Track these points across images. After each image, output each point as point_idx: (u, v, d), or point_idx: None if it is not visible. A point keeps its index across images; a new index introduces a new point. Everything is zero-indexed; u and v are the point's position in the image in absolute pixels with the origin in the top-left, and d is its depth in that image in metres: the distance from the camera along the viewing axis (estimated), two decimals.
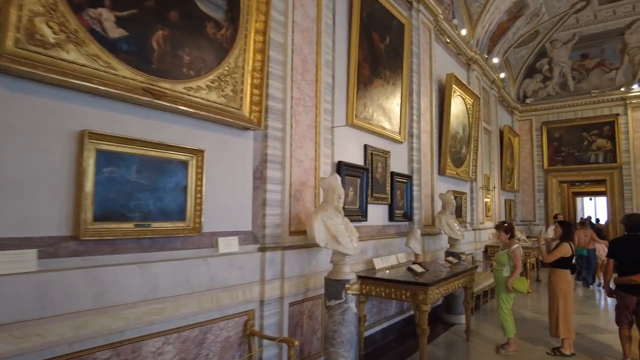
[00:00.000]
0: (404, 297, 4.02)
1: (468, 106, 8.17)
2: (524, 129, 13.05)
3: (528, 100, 12.82)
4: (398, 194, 5.67)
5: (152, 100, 2.66)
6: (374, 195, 5.08)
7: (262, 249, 3.41)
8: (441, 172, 7.05)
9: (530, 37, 11.41)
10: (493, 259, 5.03)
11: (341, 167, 4.44)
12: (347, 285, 3.40)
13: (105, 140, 2.45)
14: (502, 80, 11.06)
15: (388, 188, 5.38)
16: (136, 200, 2.61)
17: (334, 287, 3.43)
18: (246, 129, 3.36)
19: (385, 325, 5.16)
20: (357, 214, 4.72)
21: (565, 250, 4.75)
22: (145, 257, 2.64)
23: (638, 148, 11.36)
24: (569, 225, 5.06)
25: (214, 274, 3.00)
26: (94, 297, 2.30)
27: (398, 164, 5.77)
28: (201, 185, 2.92)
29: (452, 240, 6.15)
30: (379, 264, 4.75)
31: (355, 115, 4.76)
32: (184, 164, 2.88)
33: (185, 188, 2.86)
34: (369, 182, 4.96)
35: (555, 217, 11.38)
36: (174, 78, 2.82)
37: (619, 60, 11.69)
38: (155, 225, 2.69)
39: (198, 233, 2.91)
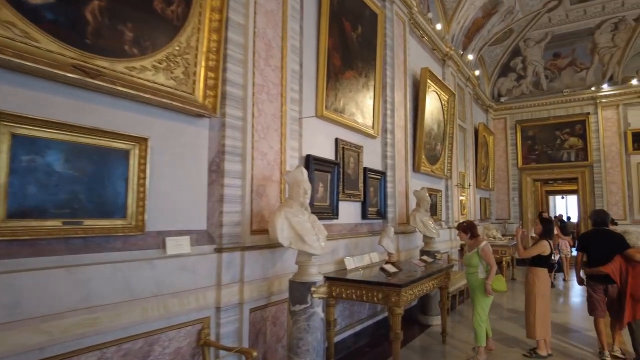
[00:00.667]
0: (375, 299, 3.77)
1: (443, 102, 8.03)
2: (498, 127, 13.09)
3: (502, 99, 12.87)
4: (371, 190, 5.42)
5: (85, 79, 2.31)
6: (346, 191, 4.81)
7: (219, 250, 3.09)
8: (416, 169, 6.86)
9: (505, 35, 11.42)
10: (463, 261, 4.76)
11: (310, 161, 4.15)
12: (313, 289, 3.11)
13: (24, 123, 2.10)
14: (477, 78, 11.02)
15: (361, 184, 5.13)
16: (64, 194, 2.25)
17: (299, 290, 3.14)
18: (200, 116, 3.04)
19: (358, 328, 4.90)
20: (327, 212, 4.44)
21: (544, 248, 4.57)
22: (76, 259, 2.28)
23: (608, 147, 11.53)
24: (549, 223, 4.85)
25: (160, 279, 2.66)
26: (5, 309, 1.94)
27: (371, 159, 5.53)
28: (144, 178, 2.58)
29: (427, 239, 5.96)
30: (350, 264, 4.48)
31: (326, 107, 4.49)
32: (125, 154, 2.53)
33: (125, 181, 2.52)
34: (340, 177, 4.70)
35: (540, 214, 11.45)
36: (114, 56, 2.48)
37: (590, 59, 11.85)
38: (89, 223, 2.34)
39: (141, 232, 2.56)
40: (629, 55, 11.37)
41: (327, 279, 4.05)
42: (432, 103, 7.55)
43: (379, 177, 5.64)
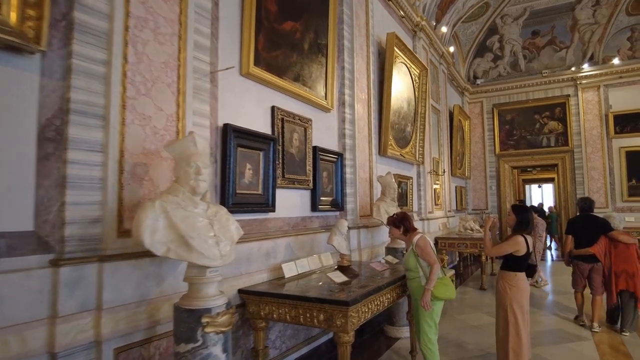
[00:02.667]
0: (316, 321, 2.71)
1: (414, 77, 7.03)
2: (474, 111, 12.26)
3: (479, 81, 12.03)
4: (324, 176, 4.36)
5: None
6: (287, 176, 3.73)
7: (56, 262, 1.96)
8: (382, 151, 5.84)
9: (481, 10, 10.53)
10: (404, 267, 3.45)
11: (229, 133, 3.05)
12: (205, 319, 2.02)
13: None
14: (452, 56, 10.10)
15: (309, 168, 4.06)
16: None
17: (184, 322, 2.05)
18: (16, 50, 1.88)
19: (305, 350, 3.85)
20: (258, 203, 3.35)
21: (517, 245, 3.35)
22: None
23: (589, 130, 10.85)
24: (525, 212, 3.54)
25: None
26: None
27: (324, 137, 4.46)
28: None
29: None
30: (291, 271, 3.42)
31: (256, 63, 3.38)
32: None
33: None
34: (278, 158, 3.61)
35: (520, 202, 10.67)
36: None
37: (569, 38, 11.11)
38: None
39: None
40: (610, 32, 10.67)
41: (249, 294, 2.98)
42: (402, 77, 6.54)
43: (335, 159, 4.58)
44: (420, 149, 7.26)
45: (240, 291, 3.04)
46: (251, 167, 3.30)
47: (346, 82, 4.89)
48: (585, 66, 10.90)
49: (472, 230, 8.08)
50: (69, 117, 2.06)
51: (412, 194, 6.89)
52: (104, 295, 2.09)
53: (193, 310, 2.04)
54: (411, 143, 6.93)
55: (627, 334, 4.72)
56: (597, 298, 4.96)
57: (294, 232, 3.82)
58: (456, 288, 7.37)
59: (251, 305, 3.00)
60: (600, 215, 5.24)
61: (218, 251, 2.11)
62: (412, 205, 6.90)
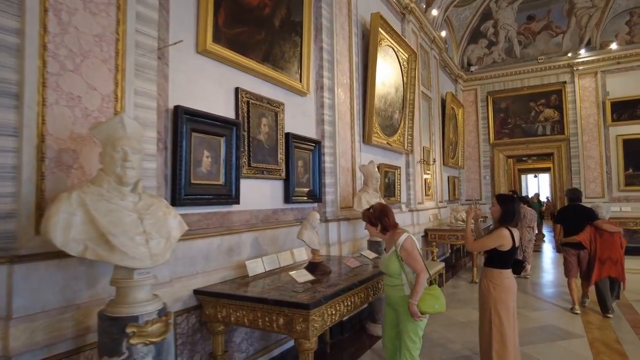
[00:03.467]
0: (275, 326, 2.43)
1: (402, 62, 6.70)
2: (468, 100, 11.93)
3: (473, 69, 11.68)
4: (299, 165, 4.06)
5: None
6: (255, 165, 3.43)
7: None
8: (366, 139, 5.53)
9: None
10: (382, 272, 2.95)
11: (181, 117, 2.74)
12: (130, 329, 1.73)
13: None
14: (445, 41, 9.75)
15: (281, 156, 3.76)
16: None
17: (107, 332, 1.76)
18: None
19: (276, 353, 3.58)
20: (219, 194, 3.05)
21: (501, 239, 3.03)
22: None
23: (585, 118, 10.55)
24: (510, 202, 3.20)
25: None
26: None
27: (299, 124, 4.16)
28: None
29: None
30: (256, 268, 3.14)
31: (216, 40, 3.06)
32: None
33: None
34: (243, 145, 3.31)
35: (514, 194, 10.38)
36: None
37: (566, 22, 10.75)
38: None
39: None
40: (608, 16, 10.32)
41: (205, 295, 2.70)
42: (388, 62, 6.22)
43: (312, 147, 4.28)
44: (409, 137, 6.95)
45: (196, 292, 2.76)
46: (210, 155, 2.99)
47: (325, 64, 4.57)
48: (582, 52, 10.56)
49: (463, 221, 7.80)
50: None
51: (400, 184, 6.60)
52: (14, 302, 1.80)
53: (116, 318, 1.75)
54: (399, 131, 6.62)
55: (611, 316, 5.01)
56: (582, 282, 5.44)
57: (263, 226, 3.54)
58: (447, 281, 7.13)
59: (208, 307, 2.73)
60: (588, 205, 5.59)
61: (147, 250, 1.82)
62: (400, 196, 6.61)
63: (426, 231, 7.52)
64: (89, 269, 2.11)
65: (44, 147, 1.97)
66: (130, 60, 2.41)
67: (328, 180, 4.53)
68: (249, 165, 3.36)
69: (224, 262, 3.07)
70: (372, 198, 4.53)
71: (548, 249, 11.19)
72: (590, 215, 5.24)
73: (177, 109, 2.72)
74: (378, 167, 5.89)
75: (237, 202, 3.20)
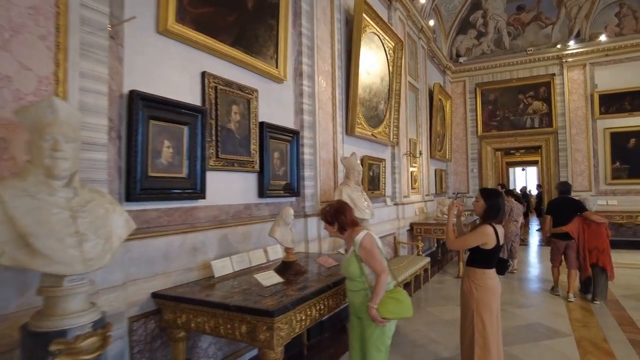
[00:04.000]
0: (238, 334, 2.20)
1: (388, 51, 6.46)
2: (457, 91, 11.74)
3: (461, 60, 11.48)
4: (275, 157, 3.82)
5: None
6: (223, 156, 3.17)
7: None
8: (349, 130, 5.30)
9: None
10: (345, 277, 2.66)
11: (136, 102, 2.46)
12: (55, 346, 1.49)
13: None
14: (433, 31, 9.51)
15: (254, 147, 3.50)
16: None
17: (30, 350, 1.51)
18: None
19: (247, 357, 3.36)
20: (182, 188, 2.80)
21: (484, 237, 2.84)
22: None
23: (574, 111, 10.44)
24: (494, 196, 2.95)
25: None
26: None
27: (275, 112, 3.90)
28: None
29: (358, 221, 4.45)
30: (223, 269, 2.90)
31: (180, 19, 2.78)
32: None
33: None
34: (210, 134, 3.05)
35: (502, 187, 10.26)
36: None
37: (555, 14, 10.58)
38: None
39: None
40: (597, 8, 10.17)
41: (163, 298, 2.46)
42: (373, 50, 5.97)
43: (290, 138, 4.03)
44: (395, 129, 6.73)
45: (154, 295, 2.51)
46: (171, 145, 2.73)
47: (304, 49, 4.31)
48: (571, 43, 10.42)
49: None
50: None
51: (384, 178, 6.39)
52: None
53: (39, 334, 1.50)
54: (384, 122, 6.40)
55: (598, 303, 5.27)
56: (572, 271, 5.51)
57: (233, 222, 3.29)
58: (432, 276, 6.97)
59: (167, 312, 2.49)
60: (576, 198, 5.88)
61: (79, 253, 1.57)
62: (384, 189, 6.41)
63: (412, 225, 7.34)
64: (19, 274, 1.85)
65: None
66: (75, 38, 2.13)
67: (307, 173, 4.30)
68: (217, 156, 3.10)
69: (187, 262, 2.82)
70: (353, 192, 4.31)
71: (535, 243, 11.15)
72: (579, 207, 5.48)
73: (133, 94, 2.45)
74: (362, 160, 5.68)
75: (203, 197, 2.95)
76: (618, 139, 9.96)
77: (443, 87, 10.57)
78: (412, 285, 5.91)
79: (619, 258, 8.18)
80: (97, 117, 2.24)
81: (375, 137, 6.04)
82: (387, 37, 6.33)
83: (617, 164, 9.97)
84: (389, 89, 6.54)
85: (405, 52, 7.07)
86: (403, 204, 7.10)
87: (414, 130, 8.23)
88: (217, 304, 2.26)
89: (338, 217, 2.58)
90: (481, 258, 2.90)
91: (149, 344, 2.56)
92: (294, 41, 4.21)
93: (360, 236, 2.49)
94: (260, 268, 3.17)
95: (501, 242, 2.90)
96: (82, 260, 1.57)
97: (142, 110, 2.49)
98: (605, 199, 9.98)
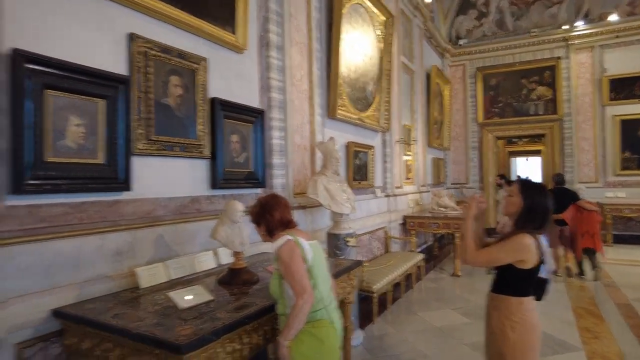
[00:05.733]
0: None
1: (377, 25, 5.83)
2: (456, 76, 11.07)
3: (462, 42, 10.79)
4: (233, 140, 3.23)
5: None
6: (158, 138, 2.59)
7: None
8: (330, 113, 4.70)
9: None
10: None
11: (19, 65, 1.87)
12: None
13: None
14: (431, 10, 8.84)
15: (202, 127, 2.91)
16: None
17: None
18: None
19: None
20: (99, 178, 2.22)
21: (523, 251, 1.96)
22: None
23: (581, 97, 9.78)
24: (540, 194, 2.08)
25: None
26: None
27: (233, 87, 3.30)
28: None
29: (336, 216, 3.89)
30: (153, 278, 2.34)
31: None
32: None
33: None
34: (137, 109, 2.46)
35: (501, 177, 9.69)
36: None
37: None
38: None
39: None
40: None
41: (66, 318, 1.91)
42: (359, 24, 5.34)
43: (253, 118, 3.44)
44: (386, 113, 6.13)
45: (55, 313, 1.96)
46: (82, 123, 2.15)
47: (272, 16, 3.69)
48: (579, 24, 9.71)
49: (445, 207, 7.06)
50: None
51: (373, 166, 5.80)
52: None
53: None
54: (374, 106, 5.79)
55: (585, 277, 6.03)
56: (566, 251, 6.29)
57: (174, 219, 2.71)
58: (426, 274, 6.42)
59: (69, 335, 1.94)
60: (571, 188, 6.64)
61: None
62: (373, 179, 5.82)
63: (405, 218, 6.77)
64: None
65: None
66: None
67: (277, 160, 3.72)
68: (149, 138, 2.52)
69: (106, 270, 2.26)
70: (330, 182, 3.74)
71: None
72: (574, 196, 6.12)
73: (16, 54, 1.86)
74: (347, 146, 5.11)
75: (127, 188, 2.37)
76: (628, 127, 9.31)
77: (441, 70, 9.91)
78: (402, 286, 5.36)
79: (627, 255, 7.63)
80: None
81: (363, 122, 5.44)
82: (376, 10, 5.69)
83: (627, 153, 9.34)
84: (379, 69, 5.92)
85: (397, 28, 6.44)
86: (395, 195, 6.52)
87: (408, 116, 7.62)
88: (120, 330, 1.70)
89: (263, 216, 2.00)
90: (516, 282, 2.02)
91: None
92: (259, 5, 3.60)
93: (278, 243, 1.87)
94: (208, 275, 2.62)
95: (546, 260, 2.04)
96: None
97: (31, 77, 1.91)
98: (613, 191, 9.38)
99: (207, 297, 1.99)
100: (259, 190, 3.57)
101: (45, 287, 2.00)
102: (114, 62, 2.37)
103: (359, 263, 3.10)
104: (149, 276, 2.31)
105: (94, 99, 2.20)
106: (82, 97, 2.15)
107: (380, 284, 4.38)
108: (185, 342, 1.51)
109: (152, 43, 2.55)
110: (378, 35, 5.87)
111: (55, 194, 2.06)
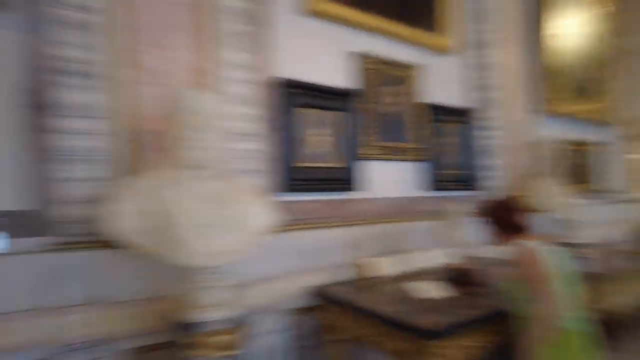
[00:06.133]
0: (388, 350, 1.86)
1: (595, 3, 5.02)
2: None
3: None
4: (446, 142, 3.30)
5: None
6: (379, 144, 2.85)
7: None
8: (546, 109, 4.26)
9: None
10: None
11: (285, 90, 2.38)
12: (183, 339, 1.44)
13: None
14: None
15: (417, 132, 3.08)
16: None
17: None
18: None
19: None
20: (337, 179, 2.62)
21: None
22: None
23: None
24: None
25: None
26: None
27: (441, 91, 3.35)
28: None
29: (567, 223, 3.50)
30: (381, 269, 2.59)
31: None
32: None
33: None
34: (364, 119, 2.78)
35: None
36: None
37: None
38: None
39: None
40: None
41: (316, 294, 2.32)
42: (574, 4, 4.72)
43: (463, 120, 3.45)
44: (614, 104, 5.20)
45: (311, 291, 2.39)
46: (323, 133, 2.57)
47: (475, 13, 3.62)
48: None
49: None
50: (56, 78, 1.73)
51: (599, 166, 4.96)
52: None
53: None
54: (597, 97, 5.00)
55: None
56: None
57: (391, 218, 2.92)
58: None
59: (319, 310, 2.34)
60: None
61: (206, 245, 1.49)
62: (601, 182, 4.97)
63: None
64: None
65: (130, 127, 1.86)
66: (216, 26, 2.15)
67: (489, 161, 3.61)
68: (374, 144, 2.81)
69: (341, 259, 2.62)
70: (548, 185, 3.43)
71: None
72: None
73: (282, 81, 2.39)
74: (564, 144, 4.57)
75: (356, 189, 2.70)
76: None
77: None
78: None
79: None
80: (247, 107, 2.24)
81: (582, 116, 4.76)
82: None
83: None
84: (601, 54, 5.08)
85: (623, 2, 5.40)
86: (625, 202, 5.44)
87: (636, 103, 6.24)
88: (371, 313, 1.96)
89: (501, 217, 2.00)
90: None
91: (305, 341, 2.45)
92: (462, 7, 3.57)
93: (516, 248, 1.89)
94: (426, 272, 2.74)
95: None
96: (208, 253, 1.49)
97: (294, 96, 2.41)
98: None
99: (442, 292, 2.10)
100: (472, 193, 3.51)
101: (301, 269, 2.44)
102: (343, 78, 2.75)
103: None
104: (374, 267, 2.56)
105: (332, 111, 2.61)
106: (323, 110, 2.58)
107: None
108: (436, 329, 1.64)
109: (371, 57, 2.85)
110: (596, 11, 5.06)
111: (306, 193, 2.52)
